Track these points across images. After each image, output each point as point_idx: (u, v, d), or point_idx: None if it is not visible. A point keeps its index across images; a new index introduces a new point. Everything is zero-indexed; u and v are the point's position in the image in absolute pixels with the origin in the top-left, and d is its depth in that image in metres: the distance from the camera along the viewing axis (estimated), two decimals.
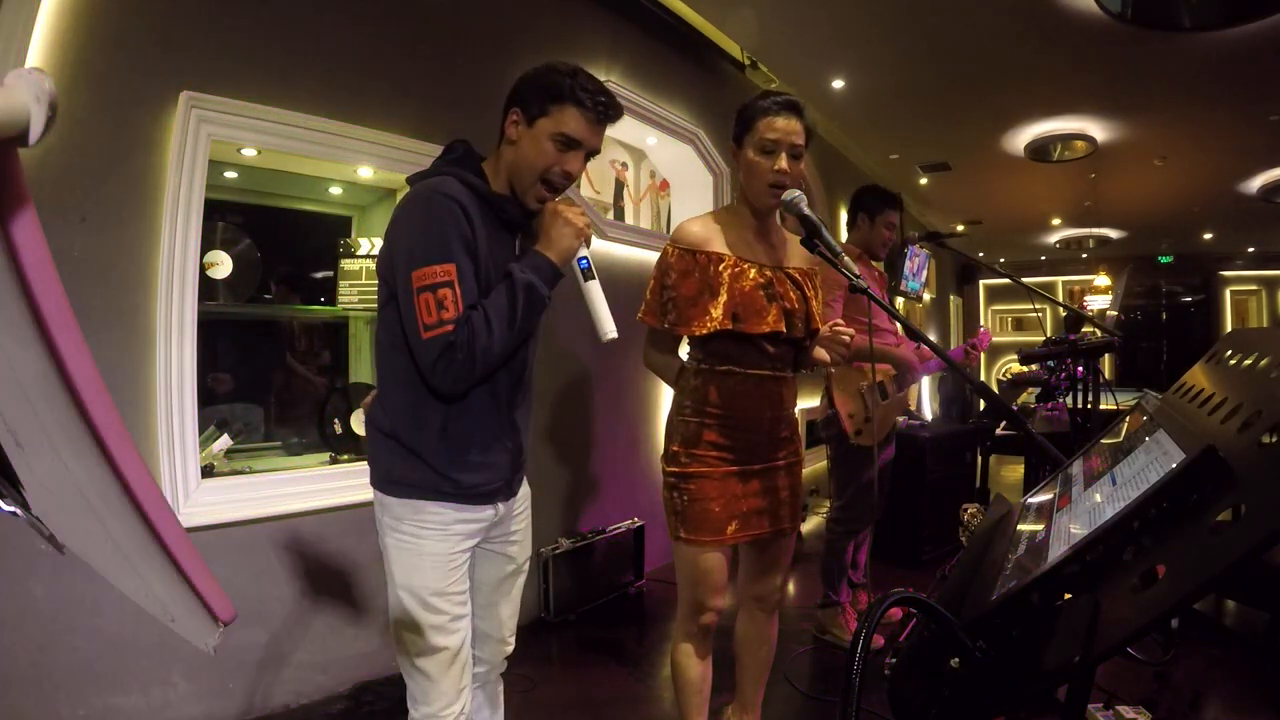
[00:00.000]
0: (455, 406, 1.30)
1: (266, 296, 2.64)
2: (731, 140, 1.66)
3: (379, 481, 1.34)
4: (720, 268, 1.58)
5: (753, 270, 1.60)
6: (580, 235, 1.30)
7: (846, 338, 1.60)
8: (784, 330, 1.60)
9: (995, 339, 11.09)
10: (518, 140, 1.30)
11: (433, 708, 1.31)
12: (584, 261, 1.31)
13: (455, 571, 1.33)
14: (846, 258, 1.46)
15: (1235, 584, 2.54)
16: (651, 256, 3.79)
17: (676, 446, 1.64)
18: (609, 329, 1.28)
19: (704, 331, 1.58)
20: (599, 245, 3.42)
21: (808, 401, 3.54)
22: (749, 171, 1.61)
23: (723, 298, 1.57)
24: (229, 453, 2.33)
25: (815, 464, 4.93)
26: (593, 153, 1.33)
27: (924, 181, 7.30)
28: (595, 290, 1.30)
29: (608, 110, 1.30)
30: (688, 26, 4.06)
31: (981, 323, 12.31)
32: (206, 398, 2.33)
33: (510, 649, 1.53)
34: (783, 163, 1.55)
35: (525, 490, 1.52)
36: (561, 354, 3.22)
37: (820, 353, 1.65)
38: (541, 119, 1.27)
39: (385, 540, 1.33)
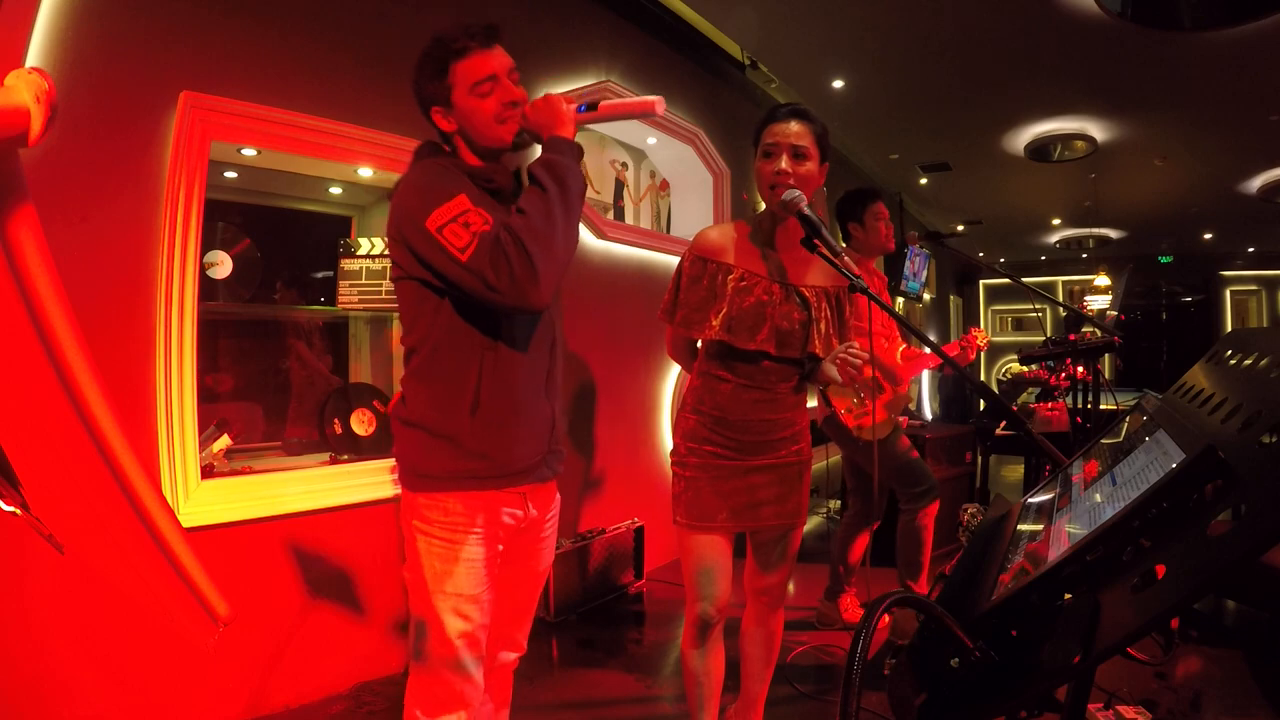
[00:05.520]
0: (484, 379, 1.27)
1: (272, 297, 2.64)
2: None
3: (406, 476, 1.31)
4: (728, 278, 1.60)
5: (759, 285, 1.60)
6: (567, 100, 1.29)
7: (859, 361, 1.54)
8: (773, 350, 1.60)
9: (995, 339, 11.08)
10: (456, 124, 1.32)
11: (453, 715, 1.28)
12: (582, 108, 1.33)
13: (487, 578, 1.30)
14: (847, 258, 1.47)
15: (1235, 584, 2.54)
16: (651, 256, 3.79)
17: (678, 440, 1.72)
18: (650, 97, 1.29)
19: (704, 337, 1.63)
20: (597, 244, 3.42)
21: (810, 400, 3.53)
22: (757, 178, 1.62)
23: (723, 308, 1.58)
24: (229, 453, 2.33)
25: (818, 463, 4.93)
26: (512, 71, 1.32)
27: (924, 181, 7.30)
28: (610, 105, 1.33)
29: (483, 33, 1.29)
30: (688, 26, 4.06)
31: (981, 323, 12.28)
32: (206, 397, 2.33)
33: (524, 651, 1.52)
34: (782, 163, 1.55)
35: (557, 498, 1.50)
36: (563, 355, 3.22)
37: (830, 370, 1.61)
38: (454, 93, 1.29)
39: (415, 543, 1.29)
